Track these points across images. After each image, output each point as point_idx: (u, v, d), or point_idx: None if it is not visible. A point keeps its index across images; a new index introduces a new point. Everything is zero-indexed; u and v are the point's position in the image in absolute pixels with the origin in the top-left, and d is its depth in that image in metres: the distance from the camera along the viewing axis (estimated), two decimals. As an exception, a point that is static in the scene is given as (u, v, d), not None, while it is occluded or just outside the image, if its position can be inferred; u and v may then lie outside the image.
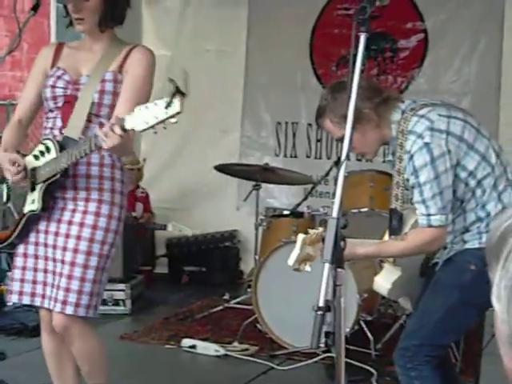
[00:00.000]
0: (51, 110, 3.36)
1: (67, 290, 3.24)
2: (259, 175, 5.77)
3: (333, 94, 3.22)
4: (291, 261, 2.88)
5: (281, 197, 6.97)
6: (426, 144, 2.99)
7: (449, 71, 6.49)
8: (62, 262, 3.26)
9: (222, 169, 5.99)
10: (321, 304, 2.29)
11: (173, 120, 2.72)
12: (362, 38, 2.47)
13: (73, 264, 3.24)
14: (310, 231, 2.96)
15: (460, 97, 6.20)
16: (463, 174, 3.06)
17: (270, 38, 7.00)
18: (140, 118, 2.76)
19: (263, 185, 5.99)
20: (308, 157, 6.98)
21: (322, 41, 6.87)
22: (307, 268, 2.89)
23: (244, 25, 7.17)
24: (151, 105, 2.74)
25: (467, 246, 3.12)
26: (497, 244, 1.16)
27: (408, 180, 3.07)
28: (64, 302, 3.25)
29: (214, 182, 6.99)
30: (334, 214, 2.37)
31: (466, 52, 6.42)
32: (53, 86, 3.33)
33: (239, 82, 7.22)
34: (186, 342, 5.10)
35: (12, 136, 3.42)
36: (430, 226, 3.02)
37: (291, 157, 7.07)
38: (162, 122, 2.73)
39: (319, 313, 2.28)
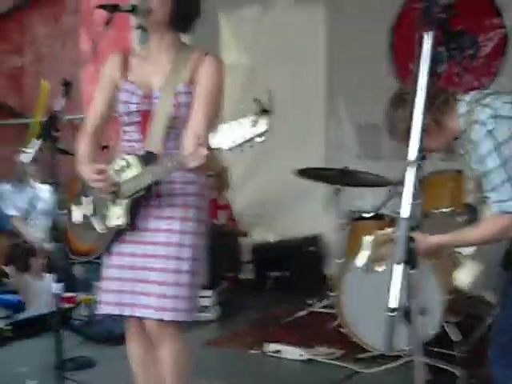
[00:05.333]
0: (127, 124, 3.41)
1: (164, 296, 3.28)
2: (339, 179, 5.75)
3: (390, 114, 3.23)
4: (359, 262, 2.88)
5: (368, 199, 6.88)
6: (489, 131, 2.94)
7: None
8: (153, 269, 3.31)
9: (303, 174, 5.97)
10: (393, 306, 2.28)
11: (259, 139, 2.74)
12: (430, 37, 2.44)
13: (165, 270, 3.29)
14: (378, 232, 2.95)
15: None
16: None
17: (349, 40, 6.92)
18: (226, 137, 2.78)
19: (349, 188, 5.96)
20: (393, 158, 6.87)
21: (402, 40, 6.75)
22: (378, 269, 2.88)
23: (322, 29, 7.15)
24: (235, 123, 2.76)
25: None
26: None
27: (476, 170, 3.02)
28: (162, 309, 3.29)
29: (300, 187, 6.95)
30: (405, 214, 2.36)
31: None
32: (126, 102, 3.37)
33: (319, 87, 7.20)
34: (271, 347, 5.12)
35: (88, 150, 3.48)
36: (503, 212, 2.94)
37: (376, 159, 7.01)
38: (249, 141, 2.75)
39: (391, 315, 2.28)
